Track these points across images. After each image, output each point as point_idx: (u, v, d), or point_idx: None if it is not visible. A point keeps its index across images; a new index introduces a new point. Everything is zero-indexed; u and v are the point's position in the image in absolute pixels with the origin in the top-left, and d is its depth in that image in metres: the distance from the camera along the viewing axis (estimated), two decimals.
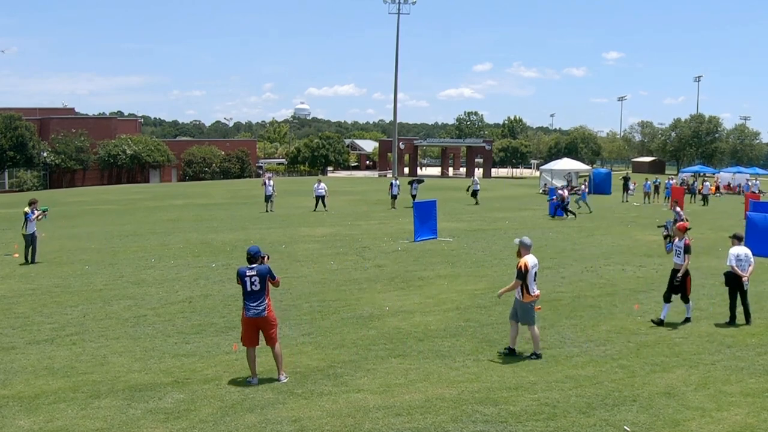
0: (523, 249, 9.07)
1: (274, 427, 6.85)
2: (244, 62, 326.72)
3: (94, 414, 7.21)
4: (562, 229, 23.81)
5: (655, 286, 13.65)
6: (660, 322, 10.62)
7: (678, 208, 22.13)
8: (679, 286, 10.75)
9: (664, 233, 17.58)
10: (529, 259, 8.98)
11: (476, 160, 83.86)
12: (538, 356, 9.00)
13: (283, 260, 16.69)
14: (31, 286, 13.98)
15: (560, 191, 28.13)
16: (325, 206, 30.69)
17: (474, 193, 35.26)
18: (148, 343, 9.84)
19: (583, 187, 32.92)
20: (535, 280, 9.00)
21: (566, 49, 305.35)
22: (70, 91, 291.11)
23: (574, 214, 28.08)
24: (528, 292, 8.92)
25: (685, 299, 10.87)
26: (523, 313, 9.01)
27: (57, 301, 12.59)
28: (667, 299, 10.83)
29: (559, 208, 27.82)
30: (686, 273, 10.75)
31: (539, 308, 9.68)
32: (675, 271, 10.82)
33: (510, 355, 9.07)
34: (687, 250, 10.68)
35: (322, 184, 31.55)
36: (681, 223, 11.53)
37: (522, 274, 8.88)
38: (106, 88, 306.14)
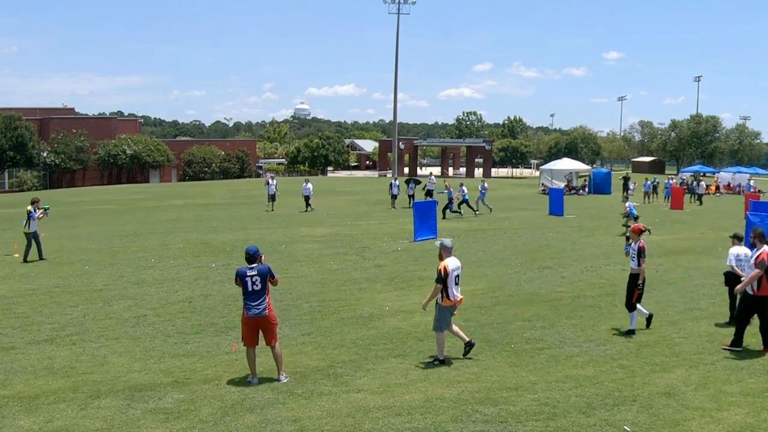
0: (443, 252, 8.81)
1: (274, 427, 6.85)
2: (244, 62, 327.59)
3: (94, 414, 7.21)
4: (562, 229, 23.80)
5: (655, 285, 13.65)
6: (648, 323, 10.39)
7: (629, 203, 22.01)
8: (628, 291, 10.28)
9: (627, 233, 16.73)
10: (450, 262, 8.68)
11: (476, 159, 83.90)
12: (441, 362, 8.75)
13: (283, 260, 16.69)
14: (31, 286, 13.98)
15: (449, 189, 27.95)
16: (310, 206, 30.87)
17: (429, 193, 33.92)
18: (148, 343, 9.84)
19: (486, 185, 31.26)
20: (457, 284, 8.70)
21: (566, 49, 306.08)
22: (70, 91, 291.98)
23: (460, 213, 27.50)
24: (447, 296, 8.64)
25: (630, 307, 10.27)
26: (437, 317, 8.76)
27: (57, 301, 12.59)
28: (633, 307, 10.31)
29: (448, 207, 27.30)
30: (634, 279, 10.20)
31: (455, 314, 9.25)
32: (632, 276, 10.28)
33: (468, 351, 8.94)
34: (641, 253, 10.10)
35: (309, 184, 31.67)
36: (636, 225, 10.73)
37: (441, 278, 8.60)
38: (106, 88, 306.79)
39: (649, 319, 10.50)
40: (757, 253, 9.39)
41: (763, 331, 9.42)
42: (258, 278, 8.03)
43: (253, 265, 8.11)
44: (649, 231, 10.81)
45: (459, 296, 8.81)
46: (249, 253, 8.18)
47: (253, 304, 8.02)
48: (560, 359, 9.00)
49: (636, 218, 21.79)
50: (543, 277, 14.64)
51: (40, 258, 17.06)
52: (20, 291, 13.47)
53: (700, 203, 36.82)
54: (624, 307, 11.92)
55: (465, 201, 28.22)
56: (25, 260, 16.88)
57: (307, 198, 31.06)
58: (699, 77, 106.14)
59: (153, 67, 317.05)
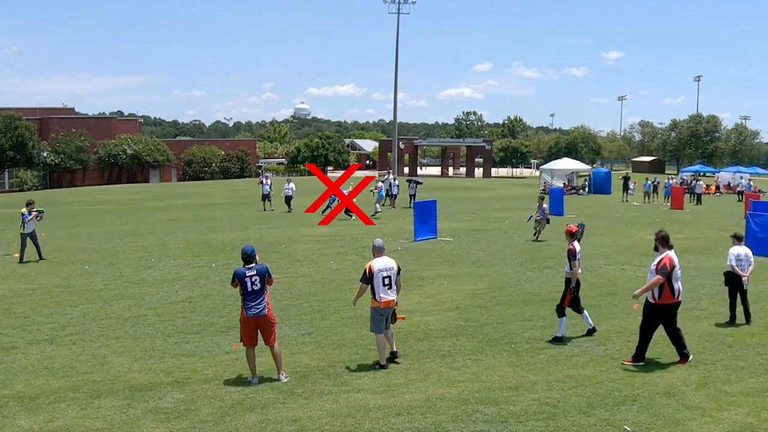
0: (373, 251, 8.75)
1: (274, 426, 6.85)
2: (244, 62, 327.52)
3: (94, 414, 7.21)
4: (562, 229, 23.78)
5: None
6: (590, 333, 9.89)
7: (545, 206, 21.06)
8: (569, 297, 9.77)
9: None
10: (375, 262, 8.56)
11: (476, 159, 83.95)
12: (381, 366, 8.58)
13: (283, 260, 16.69)
14: (31, 286, 13.97)
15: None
16: (289, 207, 30.20)
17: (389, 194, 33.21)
18: (148, 342, 9.84)
19: (380, 184, 29.66)
20: (386, 285, 8.52)
21: (566, 49, 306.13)
22: (70, 91, 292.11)
23: (350, 216, 26.18)
24: (373, 297, 8.56)
25: (560, 312, 9.81)
26: (370, 318, 8.71)
27: (57, 301, 12.59)
28: (578, 311, 9.93)
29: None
30: (567, 282, 9.78)
31: (402, 317, 9.22)
32: (566, 280, 9.89)
33: (391, 358, 8.79)
34: (568, 256, 9.75)
35: (291, 184, 31.12)
36: (569, 226, 10.27)
37: (366, 277, 8.50)
38: (106, 88, 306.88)
39: (591, 331, 9.97)
40: (659, 258, 8.71)
41: (673, 341, 8.88)
42: (257, 278, 8.04)
43: (252, 264, 8.11)
44: (581, 227, 10.41)
45: (387, 298, 8.54)
46: (246, 253, 8.19)
47: (252, 303, 8.02)
48: (560, 359, 8.99)
49: (547, 221, 20.91)
50: (543, 277, 14.64)
51: (40, 258, 17.02)
52: (20, 291, 13.47)
53: (699, 203, 36.79)
54: (625, 307, 11.93)
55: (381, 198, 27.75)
56: (21, 261, 16.81)
57: (288, 198, 30.35)
58: (699, 77, 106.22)
59: (153, 67, 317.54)
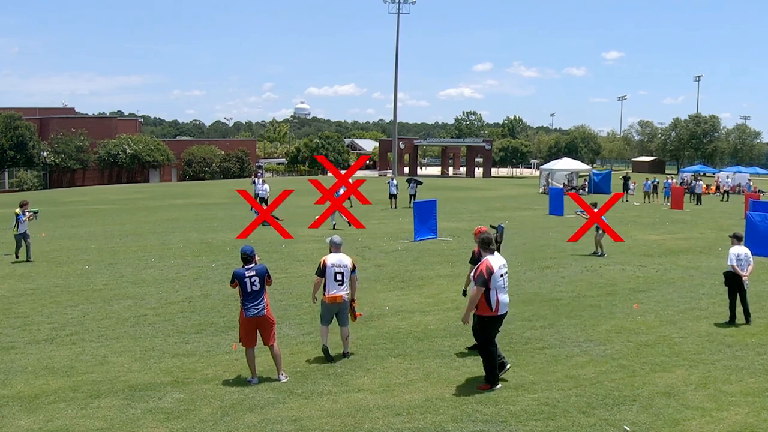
0: (330, 246, 9.02)
1: (274, 426, 6.86)
2: (244, 62, 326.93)
3: (94, 414, 7.21)
4: (563, 228, 23.79)
5: (655, 285, 13.67)
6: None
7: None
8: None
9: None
10: (329, 257, 8.87)
11: (476, 159, 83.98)
12: (324, 350, 8.89)
13: (283, 260, 16.70)
14: (30, 286, 13.98)
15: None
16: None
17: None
18: (148, 342, 9.85)
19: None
20: (337, 281, 8.73)
21: (566, 49, 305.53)
22: (70, 91, 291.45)
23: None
24: (324, 292, 8.77)
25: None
26: (321, 310, 8.96)
27: (57, 300, 12.59)
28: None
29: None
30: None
31: (360, 314, 9.27)
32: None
33: (329, 359, 8.83)
34: (471, 258, 9.15)
35: (266, 186, 29.27)
36: (478, 227, 9.62)
37: (320, 270, 8.80)
38: (106, 88, 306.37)
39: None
40: (477, 265, 7.79)
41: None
42: (257, 278, 8.05)
43: (251, 265, 8.12)
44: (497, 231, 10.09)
45: (334, 293, 8.73)
46: (245, 254, 8.20)
47: (251, 304, 8.03)
48: (560, 359, 9.00)
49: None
50: (543, 277, 14.64)
51: (28, 259, 16.77)
52: (20, 291, 13.47)
53: (698, 203, 36.79)
54: (625, 307, 11.91)
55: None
56: (16, 256, 16.94)
57: (263, 201, 27.93)
58: (699, 77, 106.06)
59: (153, 67, 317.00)
